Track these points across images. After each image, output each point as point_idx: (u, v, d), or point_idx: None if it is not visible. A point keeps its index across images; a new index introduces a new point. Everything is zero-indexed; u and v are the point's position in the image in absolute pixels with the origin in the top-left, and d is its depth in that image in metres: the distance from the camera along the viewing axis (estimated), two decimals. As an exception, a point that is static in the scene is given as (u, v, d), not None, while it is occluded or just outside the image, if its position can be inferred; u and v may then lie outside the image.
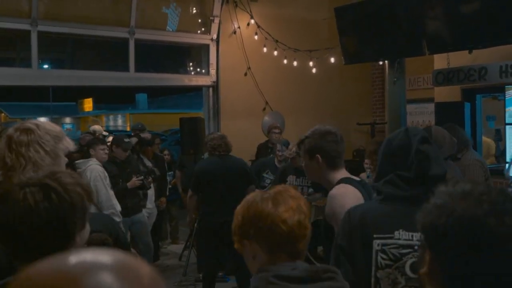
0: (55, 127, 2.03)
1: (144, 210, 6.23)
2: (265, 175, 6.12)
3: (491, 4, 5.05)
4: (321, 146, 2.63)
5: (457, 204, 1.05)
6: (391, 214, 1.97)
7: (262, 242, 1.54)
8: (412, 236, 1.92)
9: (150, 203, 6.56)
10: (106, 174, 5.29)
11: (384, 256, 1.94)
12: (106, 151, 5.65)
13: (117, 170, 5.78)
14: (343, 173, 2.66)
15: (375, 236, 1.95)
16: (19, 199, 1.30)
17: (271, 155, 6.51)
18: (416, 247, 1.91)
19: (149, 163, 6.82)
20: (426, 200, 1.94)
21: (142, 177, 5.89)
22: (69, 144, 2.04)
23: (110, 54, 8.23)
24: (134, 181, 5.80)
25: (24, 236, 1.30)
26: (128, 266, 0.62)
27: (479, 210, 1.02)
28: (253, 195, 1.62)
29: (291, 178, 5.60)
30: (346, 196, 2.44)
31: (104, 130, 8.55)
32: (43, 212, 1.29)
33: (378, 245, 1.94)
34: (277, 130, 7.10)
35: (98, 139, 5.97)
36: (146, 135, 7.21)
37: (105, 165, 5.56)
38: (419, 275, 1.11)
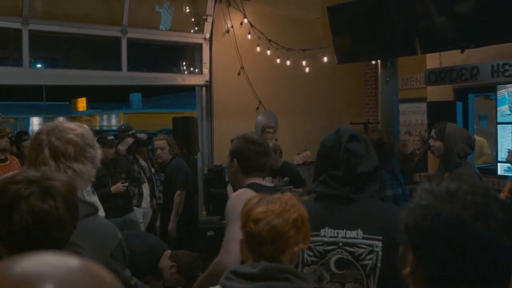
0: (91, 136, 2.09)
1: (140, 210, 6.21)
2: None
3: (483, 4, 5.07)
4: (241, 152, 2.68)
5: (442, 205, 1.03)
6: (319, 212, 2.03)
7: (244, 239, 1.65)
8: (337, 233, 1.99)
9: (146, 203, 6.55)
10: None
11: (310, 253, 1.99)
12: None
13: (105, 170, 5.69)
14: (257, 181, 2.67)
15: None
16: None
17: None
18: (340, 244, 1.98)
19: (144, 163, 6.80)
20: (354, 199, 2.01)
21: (127, 184, 5.80)
22: (99, 154, 2.13)
23: (103, 53, 8.21)
24: (119, 186, 5.70)
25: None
26: (80, 282, 0.56)
27: (465, 213, 1.01)
28: (251, 196, 1.73)
29: (267, 179, 5.49)
30: (239, 198, 2.39)
31: (98, 131, 8.53)
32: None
33: None
34: (271, 130, 7.10)
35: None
36: (142, 135, 7.18)
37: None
38: (401, 276, 1.10)
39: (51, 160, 1.88)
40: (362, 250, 1.94)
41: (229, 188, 6.38)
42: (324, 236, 1.99)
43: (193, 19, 8.19)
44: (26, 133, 7.58)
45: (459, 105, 6.35)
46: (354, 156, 2.02)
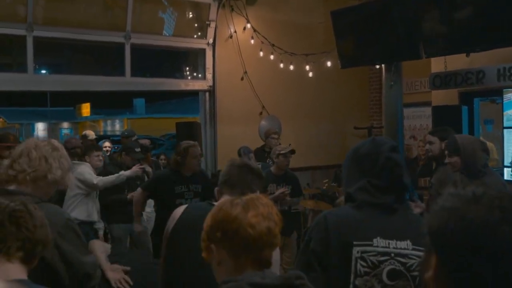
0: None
1: (143, 214, 6.19)
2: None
3: (488, 8, 5.03)
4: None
5: (467, 208, 1.01)
6: (368, 221, 1.98)
7: (227, 247, 1.51)
8: (388, 243, 1.95)
9: (149, 207, 6.53)
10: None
11: (364, 264, 1.94)
12: (101, 158, 5.64)
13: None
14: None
15: (355, 243, 1.94)
16: None
17: (269, 161, 6.46)
18: (392, 255, 1.93)
19: (149, 169, 6.80)
20: (395, 209, 1.96)
21: (144, 167, 5.86)
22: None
23: (106, 59, 8.20)
24: (136, 169, 5.66)
25: None
26: None
27: (492, 216, 0.98)
28: (224, 201, 1.62)
29: (271, 187, 5.47)
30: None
31: (102, 136, 8.55)
32: None
33: (357, 252, 1.94)
34: (276, 136, 7.08)
35: (94, 146, 5.94)
36: (144, 141, 7.19)
37: (112, 171, 5.62)
38: (424, 280, 1.08)
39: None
40: (413, 261, 1.92)
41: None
42: (377, 246, 1.94)
43: (196, 25, 8.19)
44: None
45: (465, 110, 6.30)
46: (398, 166, 2.00)
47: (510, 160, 6.11)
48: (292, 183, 5.57)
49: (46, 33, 6.78)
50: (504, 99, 6.35)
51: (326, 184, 6.13)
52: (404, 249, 1.94)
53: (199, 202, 2.58)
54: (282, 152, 5.50)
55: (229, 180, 2.50)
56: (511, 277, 0.98)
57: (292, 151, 5.56)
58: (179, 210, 2.46)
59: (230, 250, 1.51)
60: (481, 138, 7.11)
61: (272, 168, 5.63)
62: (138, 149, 6.10)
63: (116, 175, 5.43)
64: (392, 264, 1.93)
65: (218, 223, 1.55)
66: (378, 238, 1.95)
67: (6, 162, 2.18)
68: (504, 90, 6.28)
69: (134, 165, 5.95)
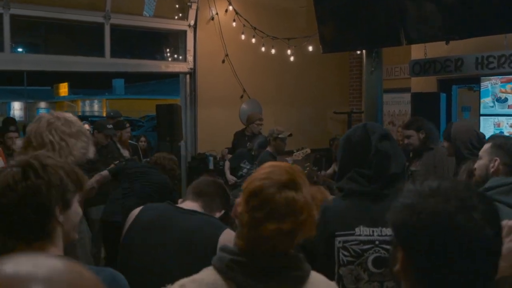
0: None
1: None
2: (242, 164, 6.37)
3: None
4: None
5: (425, 201, 1.06)
6: (351, 210, 1.99)
7: None
8: (372, 231, 1.95)
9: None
10: None
11: (346, 253, 1.95)
12: None
13: (98, 155, 5.71)
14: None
15: (336, 233, 1.95)
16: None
17: (248, 144, 6.68)
18: (377, 242, 1.94)
19: (126, 153, 6.74)
20: (384, 195, 1.96)
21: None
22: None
23: (85, 39, 8.08)
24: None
25: (3, 211, 1.39)
26: (64, 279, 0.62)
27: (447, 207, 1.03)
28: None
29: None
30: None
31: (80, 116, 8.41)
32: (19, 190, 1.38)
33: (339, 242, 1.95)
34: (260, 122, 7.11)
35: None
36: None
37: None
38: (393, 272, 1.12)
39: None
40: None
41: (227, 163, 6.54)
42: (360, 235, 1.95)
43: (177, 6, 8.08)
44: (13, 122, 7.38)
45: (443, 97, 6.39)
46: (386, 158, 1.99)
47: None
48: None
49: (24, 11, 6.63)
50: (481, 87, 6.45)
51: (308, 168, 6.17)
52: (390, 235, 1.94)
53: (157, 203, 2.50)
54: (279, 136, 5.85)
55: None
56: (471, 264, 1.03)
57: (290, 135, 5.94)
58: (136, 210, 2.37)
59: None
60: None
61: (270, 149, 5.97)
62: (110, 126, 6.06)
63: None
64: (377, 252, 1.93)
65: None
66: (361, 226, 1.95)
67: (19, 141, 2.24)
68: (481, 78, 6.38)
69: (107, 142, 5.93)
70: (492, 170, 2.54)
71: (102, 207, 5.64)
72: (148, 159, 7.88)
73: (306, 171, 6.95)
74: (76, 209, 1.53)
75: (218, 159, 7.70)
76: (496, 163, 2.54)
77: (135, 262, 2.23)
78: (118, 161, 5.83)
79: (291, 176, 1.45)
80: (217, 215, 2.37)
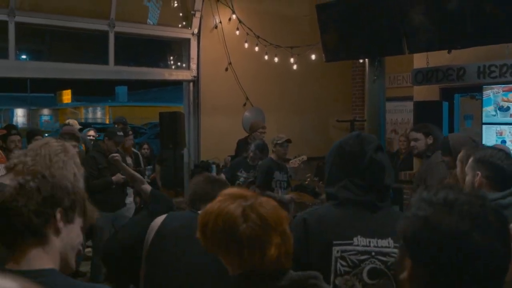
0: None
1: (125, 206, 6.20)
2: (239, 173, 6.41)
3: (469, 6, 5.11)
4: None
5: (439, 217, 1.06)
6: (348, 220, 1.97)
7: None
8: (369, 242, 1.94)
9: (129, 197, 6.53)
10: None
11: (344, 263, 1.93)
12: (77, 149, 5.60)
13: (106, 162, 5.78)
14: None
15: (334, 242, 1.94)
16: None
17: (244, 155, 6.75)
18: (373, 253, 1.93)
19: (129, 160, 6.76)
20: (379, 206, 1.96)
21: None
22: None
23: (90, 46, 8.12)
24: (119, 176, 5.76)
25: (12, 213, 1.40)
26: None
27: (463, 224, 1.03)
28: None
29: (276, 174, 6.01)
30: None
31: (83, 123, 8.45)
32: (27, 190, 1.41)
33: (337, 251, 1.94)
34: (263, 130, 7.13)
35: (69, 135, 5.88)
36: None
37: (95, 156, 5.74)
38: (399, 280, 1.12)
39: None
40: (394, 259, 1.89)
41: (222, 176, 6.46)
42: (357, 245, 1.93)
43: (181, 14, 8.15)
44: (14, 127, 7.45)
45: (445, 105, 6.41)
46: (382, 168, 1.99)
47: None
48: (287, 172, 6.12)
49: (29, 19, 6.68)
50: (483, 96, 6.46)
51: (308, 179, 6.22)
52: (386, 247, 1.93)
53: (181, 211, 2.49)
54: (278, 142, 5.99)
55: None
56: (481, 280, 1.03)
57: (288, 140, 6.01)
58: (158, 220, 2.36)
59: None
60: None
61: (273, 156, 6.11)
62: (120, 133, 6.09)
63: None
64: (373, 263, 1.92)
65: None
66: (359, 236, 1.94)
67: (16, 152, 2.20)
68: (483, 86, 6.39)
69: (117, 149, 5.98)
70: (476, 185, 2.55)
71: (105, 214, 5.67)
72: (152, 167, 7.93)
73: (307, 182, 6.99)
74: (78, 230, 1.49)
75: (221, 167, 7.71)
76: (478, 177, 2.56)
77: (162, 273, 2.21)
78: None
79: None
80: None
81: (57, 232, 1.42)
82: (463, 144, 3.84)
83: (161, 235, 2.28)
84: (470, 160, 2.66)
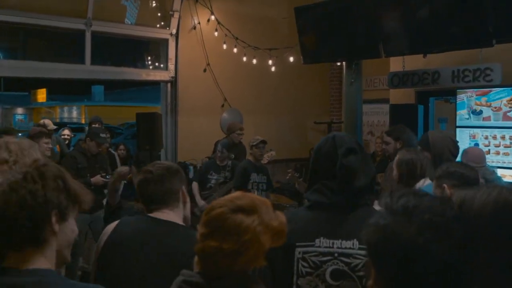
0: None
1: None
2: (209, 176, 6.37)
3: (444, 11, 5.21)
4: None
5: (399, 227, 1.05)
6: (314, 221, 2.00)
7: None
8: (332, 243, 1.95)
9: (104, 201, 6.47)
10: None
11: (305, 264, 1.95)
12: (50, 146, 5.54)
13: (86, 163, 5.71)
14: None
15: (297, 244, 1.96)
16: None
17: (212, 156, 6.76)
18: (336, 255, 1.94)
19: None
20: (348, 207, 1.96)
21: (108, 177, 5.77)
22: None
23: (66, 45, 8.02)
24: (99, 178, 5.70)
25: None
26: None
27: (422, 235, 1.02)
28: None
29: (253, 176, 6.01)
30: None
31: (58, 123, 8.33)
32: (20, 193, 1.39)
33: (299, 253, 1.96)
34: (241, 132, 7.13)
35: (44, 133, 5.79)
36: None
37: (76, 156, 5.70)
38: (367, 286, 1.14)
39: None
40: (358, 261, 1.90)
41: (194, 184, 6.42)
42: (319, 247, 1.95)
43: (159, 14, 8.11)
44: None
45: (421, 108, 6.50)
46: (351, 172, 1.98)
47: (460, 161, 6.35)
48: (266, 174, 6.13)
49: (4, 17, 6.57)
50: (457, 99, 6.59)
51: (290, 174, 6.23)
52: (349, 248, 1.93)
53: (136, 216, 2.38)
54: (253, 143, 6.04)
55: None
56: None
57: (263, 141, 6.03)
58: (112, 225, 2.27)
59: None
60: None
61: (251, 158, 6.13)
62: (103, 135, 6.02)
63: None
64: (335, 264, 1.93)
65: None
66: (321, 238, 1.95)
67: None
68: (457, 90, 6.51)
69: (99, 150, 5.91)
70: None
71: (81, 216, 5.59)
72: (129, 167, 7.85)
73: (288, 177, 7.02)
74: (72, 225, 1.50)
75: (198, 168, 7.70)
76: (446, 189, 2.67)
77: (112, 278, 2.14)
78: (105, 174, 5.81)
79: (251, 203, 1.48)
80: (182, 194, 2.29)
81: (54, 234, 1.42)
82: (441, 141, 3.94)
83: (113, 240, 2.20)
84: (434, 179, 2.84)
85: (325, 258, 1.94)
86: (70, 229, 1.48)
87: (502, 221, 1.38)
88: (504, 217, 1.38)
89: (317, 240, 1.95)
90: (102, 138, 5.94)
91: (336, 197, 1.98)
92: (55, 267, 1.45)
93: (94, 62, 7.33)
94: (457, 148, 4.09)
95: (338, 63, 8.49)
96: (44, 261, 1.42)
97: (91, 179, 5.66)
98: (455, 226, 1.05)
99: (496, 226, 1.36)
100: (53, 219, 1.42)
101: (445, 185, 2.69)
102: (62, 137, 7.69)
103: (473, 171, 2.78)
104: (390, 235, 1.05)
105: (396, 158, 3.52)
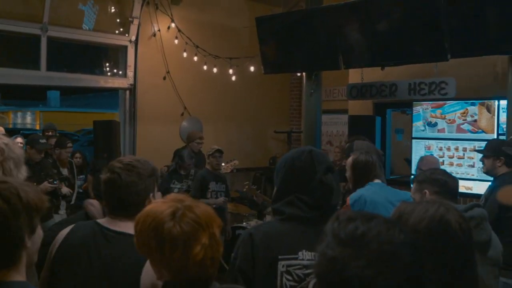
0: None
1: (58, 216, 5.95)
2: (172, 185, 6.38)
3: (401, 26, 5.34)
4: None
5: (346, 261, 1.02)
6: (293, 235, 1.99)
7: None
8: (314, 256, 1.94)
9: (63, 210, 6.29)
10: None
11: (289, 277, 1.95)
12: None
13: (30, 172, 5.48)
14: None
15: (280, 257, 1.95)
16: None
17: (171, 165, 6.76)
18: None
19: (65, 171, 6.51)
20: (323, 221, 1.98)
21: (56, 182, 5.62)
22: None
23: (21, 50, 7.77)
24: (46, 185, 5.50)
25: None
26: None
27: (369, 269, 0.99)
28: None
29: (212, 184, 6.09)
30: None
31: (11, 129, 8.03)
32: None
33: (283, 266, 1.95)
34: (200, 141, 7.09)
35: None
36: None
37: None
38: None
39: None
40: None
41: (158, 194, 6.31)
42: (303, 259, 1.95)
43: (118, 20, 7.98)
44: None
45: (378, 119, 6.63)
46: (330, 190, 2.02)
47: (415, 169, 6.50)
48: (225, 183, 6.24)
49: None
50: (413, 111, 6.76)
51: (247, 187, 6.24)
52: None
53: (85, 221, 2.28)
54: (209, 153, 6.20)
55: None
56: None
57: (219, 151, 6.15)
58: (65, 230, 2.18)
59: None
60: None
61: (209, 167, 6.25)
62: (43, 140, 5.83)
63: None
64: None
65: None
66: (304, 251, 1.96)
67: None
68: (414, 102, 6.68)
69: (41, 158, 5.72)
70: None
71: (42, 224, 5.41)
72: (84, 176, 7.66)
73: (245, 190, 7.02)
74: (39, 232, 1.51)
75: (161, 177, 7.60)
76: (427, 195, 2.68)
77: (63, 284, 2.05)
78: (52, 179, 5.63)
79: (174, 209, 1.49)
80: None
81: (26, 248, 1.43)
82: (366, 148, 4.06)
83: (65, 246, 2.12)
84: (414, 183, 2.84)
85: (308, 271, 1.94)
86: (38, 235, 1.50)
87: (436, 237, 1.43)
88: (438, 234, 1.44)
89: (300, 253, 1.96)
90: (42, 144, 5.75)
91: (312, 212, 2.00)
92: (26, 268, 1.47)
93: (50, 68, 7.13)
94: (381, 158, 4.21)
95: (299, 74, 8.56)
96: (17, 277, 1.42)
97: (39, 187, 5.47)
98: (405, 252, 1.03)
99: (429, 242, 1.40)
100: (26, 238, 1.42)
101: (426, 191, 2.70)
102: (15, 145, 7.43)
103: (455, 182, 2.78)
104: (337, 268, 1.02)
105: (350, 159, 3.63)
